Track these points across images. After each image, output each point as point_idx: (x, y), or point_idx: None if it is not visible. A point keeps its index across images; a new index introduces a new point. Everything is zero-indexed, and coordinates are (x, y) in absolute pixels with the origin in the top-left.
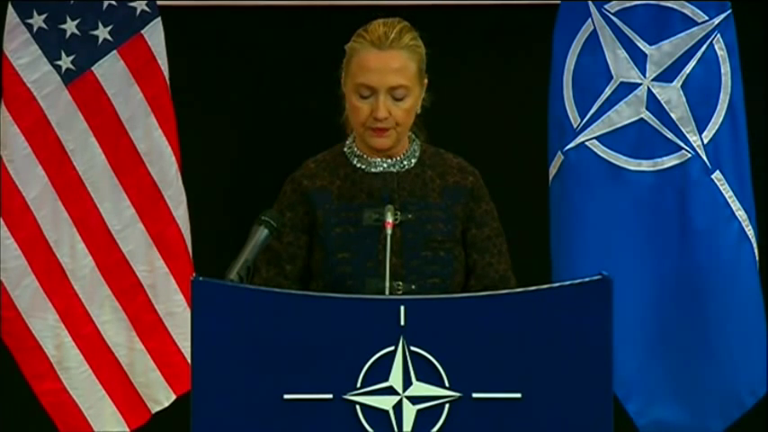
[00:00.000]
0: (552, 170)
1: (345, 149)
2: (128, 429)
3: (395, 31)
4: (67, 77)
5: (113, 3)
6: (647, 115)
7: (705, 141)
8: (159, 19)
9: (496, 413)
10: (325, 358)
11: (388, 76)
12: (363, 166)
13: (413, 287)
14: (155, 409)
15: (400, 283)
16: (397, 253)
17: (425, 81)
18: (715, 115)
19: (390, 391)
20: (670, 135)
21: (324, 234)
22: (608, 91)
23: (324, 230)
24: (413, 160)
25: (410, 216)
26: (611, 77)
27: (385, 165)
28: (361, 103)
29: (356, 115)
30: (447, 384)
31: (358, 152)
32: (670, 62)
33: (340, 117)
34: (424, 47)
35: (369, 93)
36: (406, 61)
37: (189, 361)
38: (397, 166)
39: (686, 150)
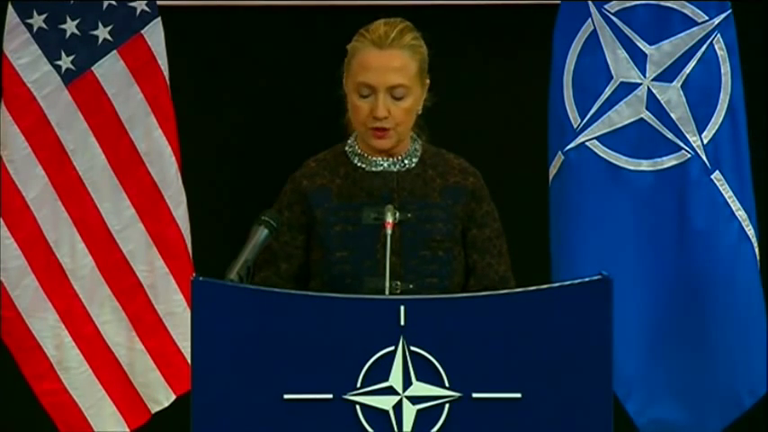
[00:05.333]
0: (552, 170)
1: (346, 148)
2: (128, 429)
3: (396, 31)
4: (67, 77)
5: (113, 3)
6: (647, 115)
7: (705, 141)
8: (159, 19)
9: (496, 413)
10: (326, 358)
11: (387, 75)
12: (364, 165)
13: (411, 286)
14: (155, 409)
15: (398, 282)
16: (396, 252)
17: (427, 81)
18: (715, 115)
19: (390, 391)
20: (670, 135)
21: (323, 232)
22: (608, 91)
23: (323, 229)
24: (414, 160)
25: (409, 215)
26: (611, 77)
27: (385, 164)
28: (362, 103)
29: (356, 114)
30: (447, 384)
31: (359, 151)
32: (670, 62)
33: (343, 117)
34: (425, 47)
35: (368, 92)
36: (407, 61)
37: (189, 361)
38: (397, 166)
39: (686, 150)
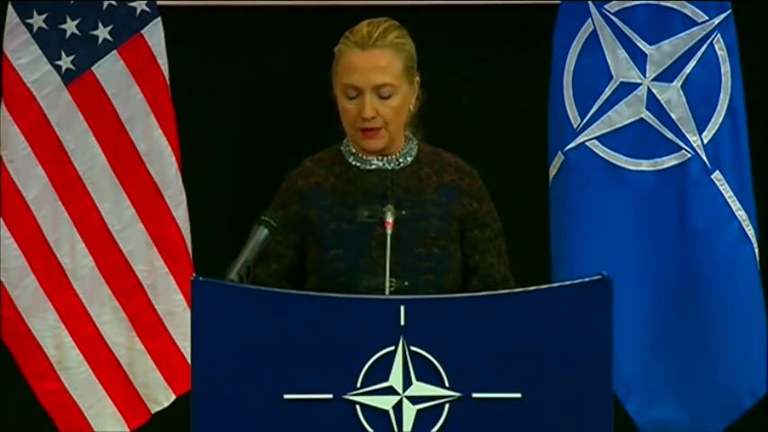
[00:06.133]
0: (552, 170)
1: (342, 147)
2: (128, 429)
3: (379, 30)
4: (67, 77)
5: (113, 3)
6: (647, 115)
7: (705, 141)
8: (159, 19)
9: (496, 413)
10: (326, 358)
11: (372, 75)
12: (359, 164)
13: (406, 284)
14: (155, 409)
15: (394, 279)
16: (392, 249)
17: (417, 79)
18: (715, 115)
19: (390, 391)
20: (670, 135)
21: (318, 230)
22: (608, 91)
23: (318, 227)
24: (408, 158)
25: (404, 213)
26: (611, 77)
27: (380, 163)
28: (349, 105)
29: (345, 117)
30: (447, 384)
31: (354, 150)
32: (670, 62)
33: (339, 121)
34: (412, 45)
35: (355, 93)
36: (391, 59)
37: (189, 361)
38: (392, 164)
39: (686, 150)
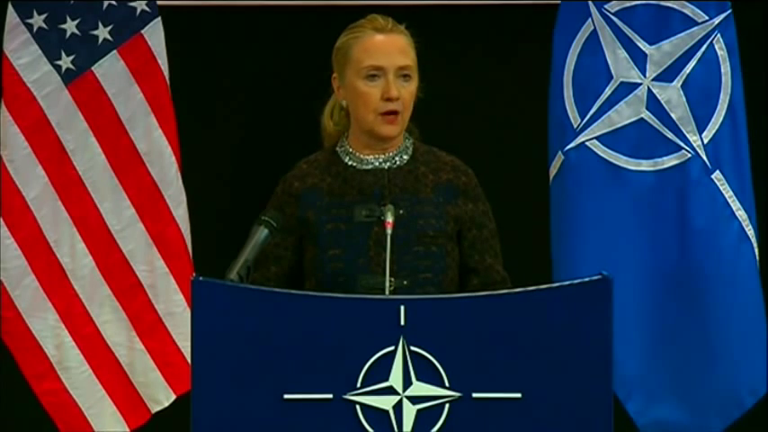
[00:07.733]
0: (552, 170)
1: (338, 148)
2: (128, 429)
3: (391, 21)
4: (67, 77)
5: (113, 3)
6: (647, 115)
7: (705, 141)
8: (159, 19)
9: (496, 413)
10: (326, 358)
11: (395, 56)
12: (355, 164)
13: (404, 283)
14: (155, 409)
15: (392, 279)
16: (390, 248)
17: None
18: (715, 115)
19: (390, 391)
20: (670, 135)
21: (316, 231)
22: (608, 91)
23: (316, 228)
24: (405, 157)
25: (401, 212)
26: (611, 77)
27: (377, 162)
28: (370, 88)
29: (365, 101)
30: (447, 384)
31: (350, 150)
32: (670, 62)
33: (318, 136)
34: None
35: (377, 73)
36: (408, 45)
37: (189, 361)
38: (388, 163)
39: (686, 150)
